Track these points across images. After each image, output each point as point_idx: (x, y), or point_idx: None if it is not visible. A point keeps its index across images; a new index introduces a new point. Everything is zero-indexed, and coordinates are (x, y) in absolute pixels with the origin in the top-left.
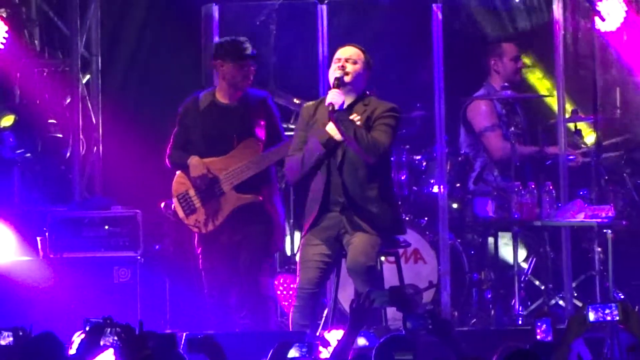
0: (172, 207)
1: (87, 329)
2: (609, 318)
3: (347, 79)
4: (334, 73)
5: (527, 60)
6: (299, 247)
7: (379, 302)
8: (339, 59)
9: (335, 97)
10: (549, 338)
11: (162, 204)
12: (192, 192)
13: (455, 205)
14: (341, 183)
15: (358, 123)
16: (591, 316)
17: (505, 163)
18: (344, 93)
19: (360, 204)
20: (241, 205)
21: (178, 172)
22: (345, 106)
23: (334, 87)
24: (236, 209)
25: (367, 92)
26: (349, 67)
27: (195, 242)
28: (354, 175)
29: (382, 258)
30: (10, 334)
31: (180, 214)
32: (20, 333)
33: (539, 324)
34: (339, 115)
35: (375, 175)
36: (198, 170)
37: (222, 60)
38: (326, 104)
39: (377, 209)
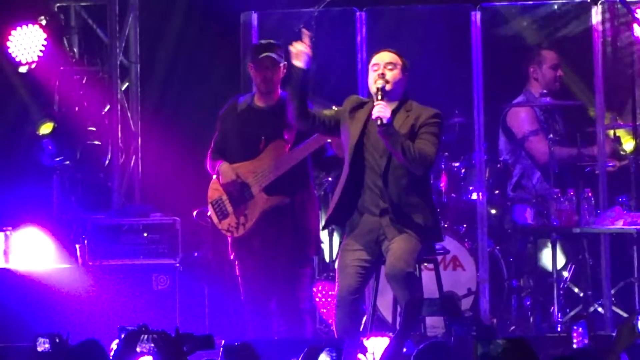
0: (208, 214)
1: (123, 336)
2: None
3: (388, 87)
4: (375, 84)
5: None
6: (337, 253)
7: (429, 311)
8: (377, 65)
9: (382, 111)
10: (585, 341)
11: (195, 212)
12: (224, 198)
13: (494, 212)
14: (385, 189)
15: (403, 133)
16: None
17: (548, 169)
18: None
19: (403, 211)
20: (270, 207)
21: (213, 179)
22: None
23: (377, 99)
24: (265, 212)
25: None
26: (388, 75)
27: (229, 248)
28: (398, 182)
29: (424, 264)
30: (47, 340)
31: (215, 219)
32: (57, 340)
33: (575, 327)
34: (387, 130)
35: (418, 182)
36: (227, 177)
37: (250, 63)
38: (373, 117)
39: (419, 216)
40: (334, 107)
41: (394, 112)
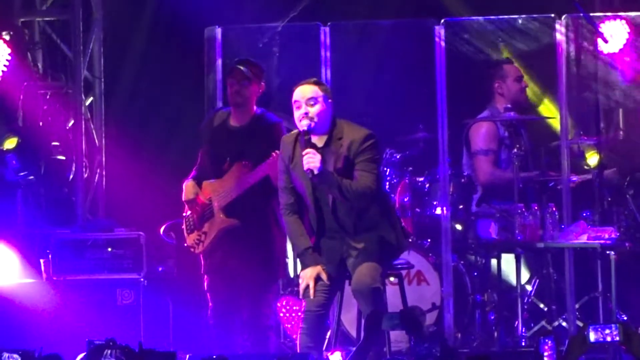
0: (181, 226)
1: (86, 351)
2: (609, 339)
3: (313, 124)
4: (300, 124)
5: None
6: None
7: (390, 325)
8: (298, 102)
9: (311, 162)
10: (554, 356)
11: (162, 228)
12: (193, 213)
13: (458, 227)
14: (338, 221)
15: (339, 167)
16: (592, 336)
17: (489, 188)
18: (316, 136)
19: (361, 233)
20: (227, 226)
21: None
22: (321, 145)
23: (305, 143)
24: (223, 231)
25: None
26: (311, 111)
27: (201, 262)
28: (349, 213)
29: (391, 279)
30: (15, 356)
31: (185, 233)
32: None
33: (545, 340)
34: (320, 178)
35: (369, 204)
36: (187, 195)
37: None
38: (304, 169)
39: (378, 234)
40: None
41: (327, 144)
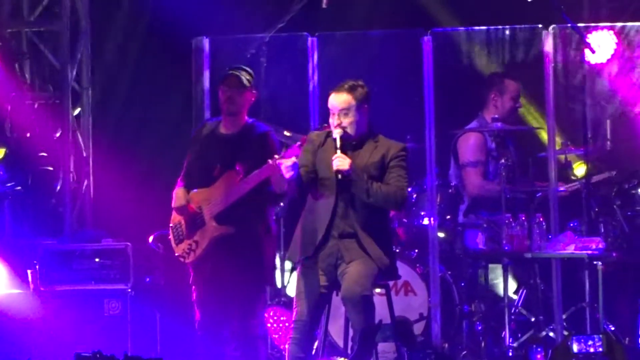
0: (169, 237)
1: None
2: (592, 349)
3: (349, 130)
4: (334, 131)
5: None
6: (297, 277)
7: (382, 337)
8: (332, 111)
9: (340, 164)
10: None
11: (152, 236)
12: (182, 222)
13: (445, 237)
14: (347, 215)
15: (372, 161)
16: (575, 347)
17: (476, 199)
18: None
19: (364, 236)
20: (219, 235)
21: None
22: (354, 142)
23: (340, 149)
24: (215, 239)
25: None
26: (345, 121)
27: (190, 273)
28: (361, 210)
29: (377, 290)
30: None
31: (173, 243)
32: None
33: (535, 348)
34: (349, 182)
35: (379, 212)
36: (178, 202)
37: (219, 87)
38: (334, 169)
39: (379, 243)
40: (285, 132)
41: (362, 142)
